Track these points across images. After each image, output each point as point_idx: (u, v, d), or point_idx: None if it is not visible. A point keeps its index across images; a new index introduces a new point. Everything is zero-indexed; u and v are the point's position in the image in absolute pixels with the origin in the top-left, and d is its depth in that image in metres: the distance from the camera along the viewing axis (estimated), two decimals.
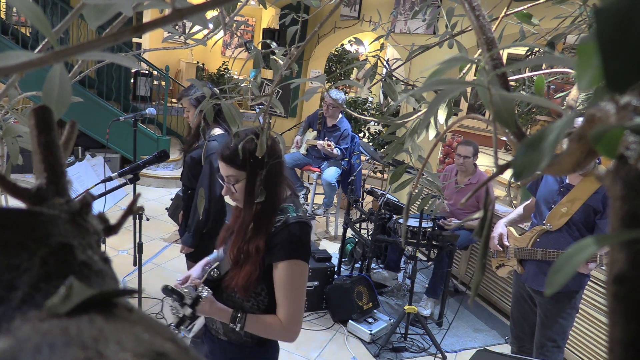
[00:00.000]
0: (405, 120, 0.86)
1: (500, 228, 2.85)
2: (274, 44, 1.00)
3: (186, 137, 2.96)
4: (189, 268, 3.05)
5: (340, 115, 5.23)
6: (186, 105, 2.84)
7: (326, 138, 5.20)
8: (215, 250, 1.85)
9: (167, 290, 1.48)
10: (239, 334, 1.58)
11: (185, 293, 1.48)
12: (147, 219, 3.04)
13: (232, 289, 1.55)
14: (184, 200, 2.93)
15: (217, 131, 2.74)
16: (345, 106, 6.65)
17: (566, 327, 2.60)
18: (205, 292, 1.50)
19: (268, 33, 7.95)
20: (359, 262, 4.34)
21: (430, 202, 0.96)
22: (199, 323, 1.69)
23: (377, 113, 7.47)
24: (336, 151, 5.09)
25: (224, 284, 1.59)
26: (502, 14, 0.92)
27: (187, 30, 0.93)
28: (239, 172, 1.52)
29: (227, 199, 1.83)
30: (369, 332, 3.51)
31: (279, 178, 1.55)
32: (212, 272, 1.63)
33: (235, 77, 8.18)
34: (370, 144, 6.83)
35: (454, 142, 5.84)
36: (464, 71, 0.88)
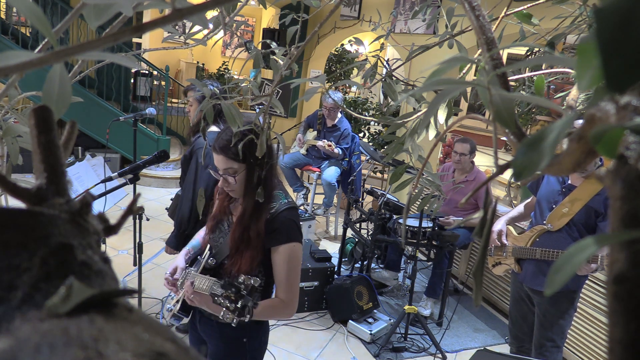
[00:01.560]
0: (405, 120, 0.86)
1: (500, 225, 2.85)
2: (274, 44, 1.00)
3: (187, 136, 2.95)
4: None
5: (340, 116, 5.23)
6: (191, 100, 2.84)
7: (326, 138, 5.20)
8: (194, 238, 1.95)
9: (226, 285, 1.55)
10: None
11: (239, 284, 1.56)
12: (147, 219, 3.04)
13: (232, 274, 1.65)
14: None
15: (212, 129, 2.73)
16: (345, 106, 6.65)
17: (565, 327, 2.60)
18: (252, 280, 1.58)
19: (268, 33, 7.95)
20: (359, 262, 4.34)
21: (430, 202, 0.96)
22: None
23: (377, 113, 7.47)
24: (337, 151, 5.09)
25: (224, 270, 1.69)
26: (502, 14, 0.92)
27: (187, 30, 0.93)
28: (239, 165, 1.61)
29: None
30: (369, 332, 3.51)
31: (273, 172, 1.69)
32: (209, 261, 1.72)
33: (235, 77, 8.18)
34: (370, 144, 6.82)
35: (454, 142, 5.84)
36: (464, 71, 0.88)
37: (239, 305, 1.52)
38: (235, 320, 1.52)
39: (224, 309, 1.53)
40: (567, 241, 2.51)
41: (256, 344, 1.75)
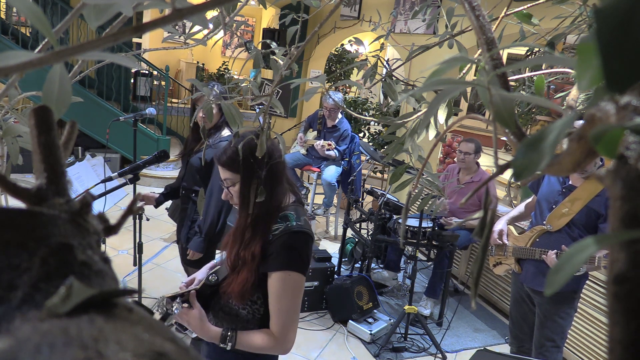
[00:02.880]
0: (405, 120, 0.86)
1: (501, 225, 2.85)
2: (274, 44, 1.00)
3: (191, 139, 2.89)
4: (185, 270, 3.04)
5: (340, 116, 5.24)
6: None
7: (326, 138, 5.21)
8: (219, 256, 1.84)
9: (160, 303, 1.48)
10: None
11: (155, 308, 1.47)
12: (147, 219, 3.04)
13: (228, 295, 1.53)
14: (186, 202, 2.90)
15: (226, 132, 2.74)
16: (345, 106, 6.65)
17: (565, 327, 2.60)
18: (176, 309, 1.47)
19: (268, 33, 7.95)
20: (359, 262, 4.34)
21: (430, 202, 0.96)
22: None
23: (377, 113, 7.46)
24: (332, 153, 5.11)
25: (221, 289, 1.57)
26: (502, 14, 0.92)
27: (187, 30, 0.93)
28: (235, 175, 1.51)
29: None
30: (369, 332, 3.51)
31: (276, 180, 1.51)
32: (210, 277, 1.61)
33: (235, 77, 8.18)
34: (370, 144, 6.82)
35: (454, 142, 5.85)
36: (464, 71, 0.88)
37: None
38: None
39: None
40: (567, 242, 2.51)
41: None
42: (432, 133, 0.88)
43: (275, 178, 1.50)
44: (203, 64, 10.00)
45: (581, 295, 3.34)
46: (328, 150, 5.11)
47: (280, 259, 1.45)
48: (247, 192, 1.48)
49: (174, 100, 8.58)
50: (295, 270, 1.46)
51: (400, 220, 3.99)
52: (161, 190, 3.04)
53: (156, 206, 2.94)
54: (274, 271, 1.46)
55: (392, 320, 3.71)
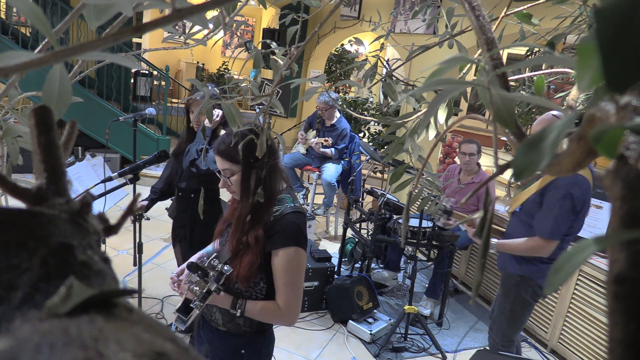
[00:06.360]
0: (405, 120, 0.86)
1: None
2: (274, 44, 1.00)
3: (185, 139, 2.87)
4: None
5: (338, 115, 5.23)
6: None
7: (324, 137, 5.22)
8: (210, 244, 1.92)
9: (192, 267, 1.54)
10: (237, 324, 1.64)
11: (208, 269, 1.54)
12: (147, 219, 3.04)
13: (232, 279, 1.60)
14: (184, 204, 2.89)
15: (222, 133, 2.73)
16: (345, 106, 6.65)
17: (519, 317, 2.59)
18: (227, 267, 1.55)
19: (268, 33, 7.95)
20: (359, 262, 4.34)
21: (430, 202, 0.96)
22: (196, 313, 1.74)
23: (377, 113, 7.46)
24: (329, 151, 5.11)
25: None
26: (502, 14, 0.92)
27: (187, 30, 0.93)
28: (234, 166, 1.58)
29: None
30: (369, 332, 3.51)
31: (274, 174, 1.61)
32: (211, 262, 1.68)
33: (235, 77, 8.19)
34: (370, 144, 6.82)
35: (454, 142, 5.85)
36: (464, 71, 0.88)
37: (204, 291, 1.51)
38: (200, 305, 1.50)
39: (195, 296, 1.53)
40: (517, 224, 2.56)
41: (255, 357, 1.68)
42: (432, 133, 0.88)
43: (275, 171, 1.61)
44: (203, 64, 10.00)
45: (581, 295, 3.34)
46: (324, 147, 5.12)
47: (285, 237, 1.55)
48: (248, 182, 1.57)
49: (174, 100, 8.58)
50: (299, 246, 1.57)
51: (400, 220, 3.98)
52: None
53: (145, 211, 2.96)
54: (280, 248, 1.55)
55: (392, 320, 3.71)
